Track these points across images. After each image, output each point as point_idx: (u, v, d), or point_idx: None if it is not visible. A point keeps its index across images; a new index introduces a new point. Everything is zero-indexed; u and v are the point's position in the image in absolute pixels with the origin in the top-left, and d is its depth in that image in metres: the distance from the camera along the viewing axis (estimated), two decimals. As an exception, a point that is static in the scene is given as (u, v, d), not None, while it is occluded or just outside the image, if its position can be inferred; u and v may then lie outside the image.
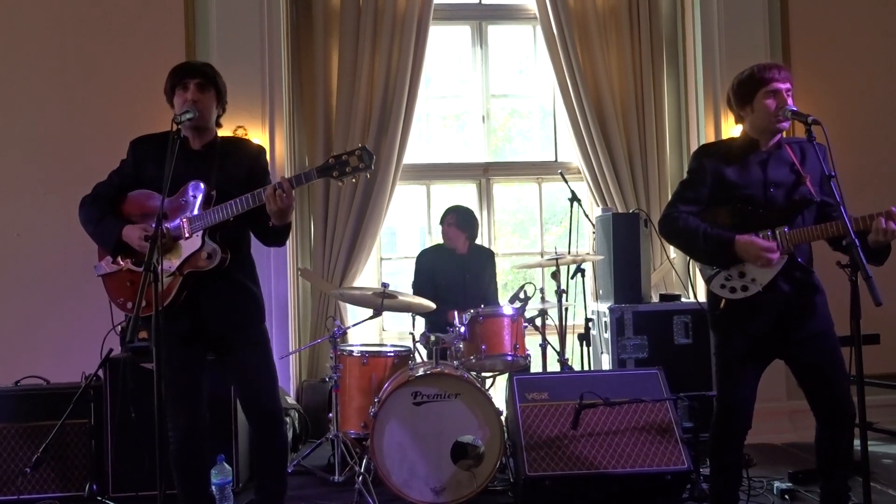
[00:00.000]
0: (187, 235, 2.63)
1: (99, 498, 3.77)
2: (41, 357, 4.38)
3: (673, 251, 5.37)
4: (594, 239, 5.16)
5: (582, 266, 4.56)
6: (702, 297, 3.30)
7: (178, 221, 2.65)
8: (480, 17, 5.77)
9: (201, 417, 2.80)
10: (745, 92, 2.83)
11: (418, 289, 4.73)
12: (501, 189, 5.88)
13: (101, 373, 3.86)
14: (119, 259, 2.73)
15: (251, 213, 2.66)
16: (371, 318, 4.19)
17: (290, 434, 4.45)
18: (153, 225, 2.49)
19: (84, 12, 4.88)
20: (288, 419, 4.47)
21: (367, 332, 5.18)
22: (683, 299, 4.84)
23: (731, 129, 4.95)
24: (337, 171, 2.60)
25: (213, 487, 3.55)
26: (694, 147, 5.17)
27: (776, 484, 3.70)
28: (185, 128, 2.68)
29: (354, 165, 2.59)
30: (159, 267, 2.37)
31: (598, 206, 5.39)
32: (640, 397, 3.61)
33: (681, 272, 5.28)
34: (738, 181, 2.82)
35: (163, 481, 2.38)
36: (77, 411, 3.79)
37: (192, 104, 2.67)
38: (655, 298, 4.92)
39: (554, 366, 4.42)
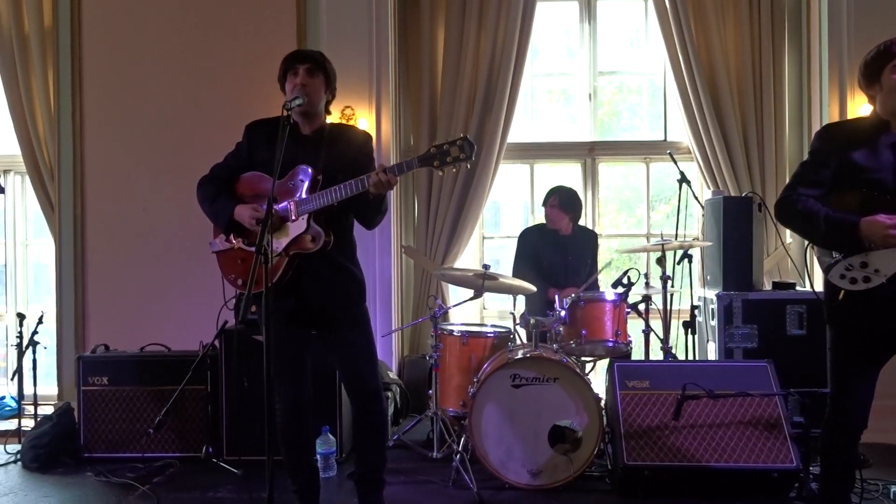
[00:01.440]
0: (294, 218, 2.73)
1: (214, 460, 4.01)
2: (163, 326, 4.68)
3: (789, 237, 5.11)
4: (703, 222, 4.98)
5: (689, 251, 4.42)
6: (818, 286, 3.12)
7: (286, 204, 2.75)
8: (589, -8, 5.63)
9: (306, 391, 2.92)
10: (873, 69, 2.66)
11: (519, 268, 4.71)
12: (607, 167, 5.76)
13: (216, 343, 4.09)
14: (231, 237, 2.87)
15: (354, 198, 2.72)
16: (471, 299, 4.22)
17: (391, 408, 4.58)
18: (264, 206, 2.60)
19: (202, 3, 5.09)
20: (389, 394, 4.60)
21: (468, 309, 5.23)
22: (799, 288, 4.60)
23: (858, 108, 4.65)
24: (438, 161, 2.62)
25: (318, 457, 3.72)
26: (816, 127, 4.88)
27: (893, 488, 3.49)
28: (295, 113, 2.76)
29: (455, 156, 2.60)
30: (270, 248, 2.47)
31: (708, 188, 5.19)
32: (746, 390, 3.49)
33: (797, 259, 5.02)
34: (865, 164, 2.63)
35: (271, 449, 2.50)
36: (195, 378, 4.04)
37: (301, 88, 2.75)
38: (768, 286, 4.71)
39: (657, 353, 4.33)
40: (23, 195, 5.67)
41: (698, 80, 5.12)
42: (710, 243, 4.60)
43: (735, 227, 4.49)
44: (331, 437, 3.86)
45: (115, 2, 5.12)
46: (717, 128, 5.12)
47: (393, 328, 5.05)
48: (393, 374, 4.97)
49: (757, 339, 4.32)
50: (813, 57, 5.10)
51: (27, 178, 5.39)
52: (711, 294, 4.55)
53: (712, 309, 4.51)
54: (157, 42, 5.10)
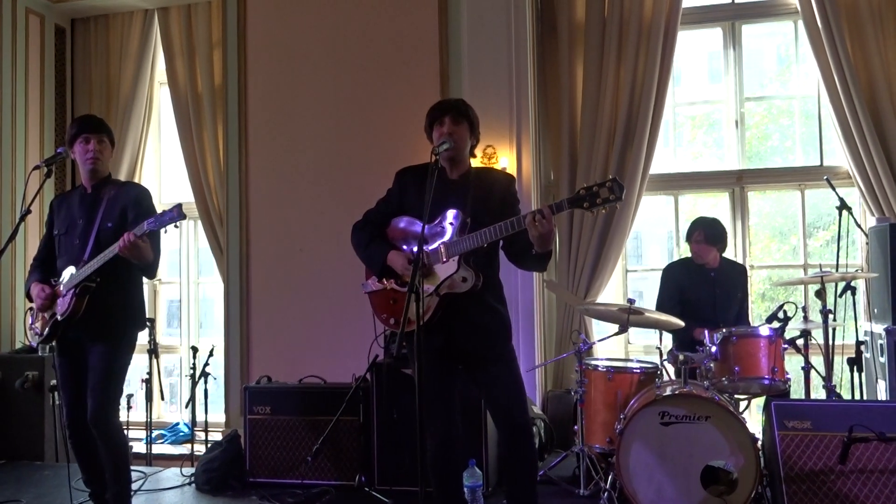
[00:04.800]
0: (445, 260, 2.84)
1: (366, 489, 4.17)
2: (318, 359, 4.94)
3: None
4: (867, 251, 4.66)
5: (852, 283, 4.15)
6: None
7: (437, 246, 2.87)
8: (733, 17, 5.47)
9: (455, 424, 3.00)
10: None
11: (662, 304, 4.59)
12: (757, 195, 5.53)
13: (368, 376, 4.28)
14: (384, 279, 3.02)
15: (509, 240, 2.80)
16: (616, 334, 4.17)
17: (536, 443, 4.58)
18: (415, 250, 2.73)
19: (352, 57, 5.42)
20: (534, 428, 4.60)
21: (611, 344, 5.16)
22: (982, 321, 4.20)
23: None
24: (588, 203, 2.66)
25: (465, 490, 3.78)
26: None
27: None
28: (442, 158, 2.90)
29: (605, 197, 2.63)
30: (421, 288, 2.59)
31: (872, 214, 4.86)
32: (923, 434, 3.21)
33: (979, 290, 4.57)
34: None
35: (423, 481, 2.60)
36: (349, 409, 4.24)
37: (448, 136, 2.89)
38: (945, 319, 4.33)
39: (818, 392, 4.08)
40: (195, 238, 6.22)
41: (856, 99, 4.85)
42: (876, 274, 4.31)
43: (904, 255, 4.19)
44: (477, 470, 3.89)
45: (277, 63, 5.56)
46: (879, 150, 4.80)
47: (536, 363, 5.06)
48: (537, 409, 4.98)
49: (934, 378, 3.98)
50: None
51: (199, 223, 5.92)
52: (880, 328, 4.25)
53: (881, 345, 4.20)
54: (314, 98, 5.47)
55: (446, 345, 2.90)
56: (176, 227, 3.13)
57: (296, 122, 5.50)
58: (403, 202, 3.04)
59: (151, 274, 3.49)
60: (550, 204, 2.71)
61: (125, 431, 3.59)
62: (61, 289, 3.38)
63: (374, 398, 4.26)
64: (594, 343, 4.61)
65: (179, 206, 3.10)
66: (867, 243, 4.67)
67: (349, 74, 5.42)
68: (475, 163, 3.14)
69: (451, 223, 2.86)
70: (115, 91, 6.09)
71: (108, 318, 3.36)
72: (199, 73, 5.79)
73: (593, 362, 4.19)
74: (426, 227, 2.73)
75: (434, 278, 2.85)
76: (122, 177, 5.88)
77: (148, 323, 4.86)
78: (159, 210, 3.23)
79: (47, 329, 3.41)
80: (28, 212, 3.47)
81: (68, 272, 3.38)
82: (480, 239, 2.77)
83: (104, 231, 3.36)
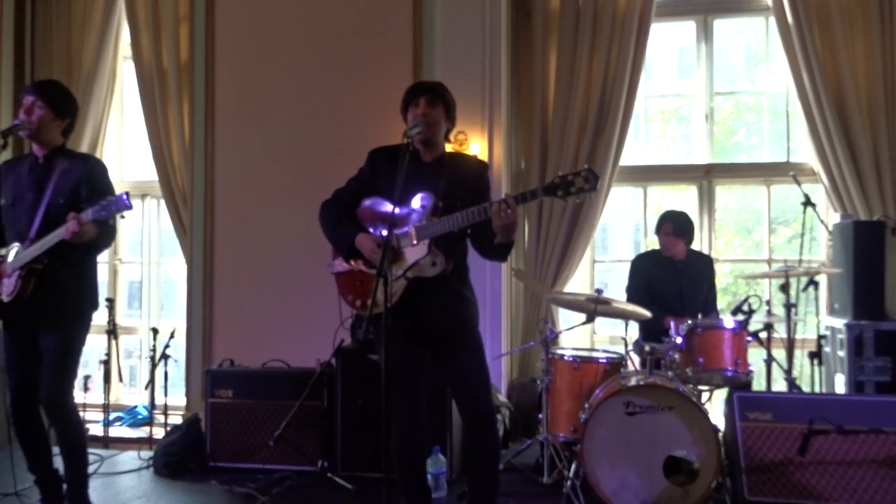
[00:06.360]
0: (415, 243, 2.81)
1: (329, 475, 4.12)
2: (283, 343, 4.86)
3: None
4: (830, 247, 4.74)
5: (815, 278, 4.21)
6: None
7: (407, 229, 2.83)
8: (706, 11, 5.50)
9: (420, 411, 2.97)
10: None
11: (632, 296, 4.62)
12: (724, 189, 5.58)
13: (333, 361, 4.23)
14: (351, 260, 2.97)
15: (474, 227, 2.77)
16: (584, 323, 4.18)
17: (500, 431, 4.58)
18: (384, 234, 2.69)
19: (324, 37, 5.32)
20: (499, 416, 4.60)
21: (577, 334, 5.17)
22: (938, 318, 4.30)
23: None
24: (562, 191, 2.65)
25: (429, 477, 3.77)
26: (957, 147, 4.57)
27: None
28: (416, 141, 2.85)
29: (580, 186, 2.63)
30: (389, 272, 2.55)
31: (835, 211, 4.93)
32: (880, 427, 3.28)
33: (936, 287, 4.68)
34: None
35: (387, 467, 2.57)
36: (312, 394, 4.18)
37: (422, 118, 2.84)
38: (904, 316, 4.43)
39: (779, 384, 4.14)
40: (158, 218, 6.08)
41: (824, 98, 4.91)
42: (838, 270, 4.38)
43: (866, 252, 4.29)
44: (441, 457, 3.90)
45: (246, 40, 5.43)
46: (845, 148, 4.87)
47: (503, 351, 5.06)
48: (502, 397, 4.98)
49: (890, 373, 4.07)
50: (952, 72, 4.79)
51: (162, 203, 5.77)
52: (840, 323, 4.32)
53: (841, 339, 4.28)
54: (284, 77, 5.36)
55: (414, 329, 2.87)
56: (122, 217, 2.99)
57: (264, 102, 5.38)
58: (375, 183, 2.99)
59: (100, 249, 3.33)
60: (524, 192, 2.69)
61: (81, 413, 3.48)
62: (6, 268, 3.24)
63: (338, 383, 4.22)
64: (560, 332, 4.62)
65: (127, 194, 2.95)
66: (830, 239, 4.75)
67: (320, 55, 5.32)
68: (448, 147, 3.10)
69: (422, 206, 2.83)
70: (77, 64, 5.89)
71: (60, 300, 3.23)
72: (164, 48, 5.63)
73: (559, 351, 4.20)
74: (396, 208, 2.68)
75: (403, 261, 2.82)
76: (83, 153, 5.71)
77: (107, 303, 4.77)
78: (116, 184, 3.09)
79: None
80: (-21, 184, 3.32)
81: (14, 249, 3.22)
82: (451, 224, 2.74)
83: (54, 207, 3.19)
